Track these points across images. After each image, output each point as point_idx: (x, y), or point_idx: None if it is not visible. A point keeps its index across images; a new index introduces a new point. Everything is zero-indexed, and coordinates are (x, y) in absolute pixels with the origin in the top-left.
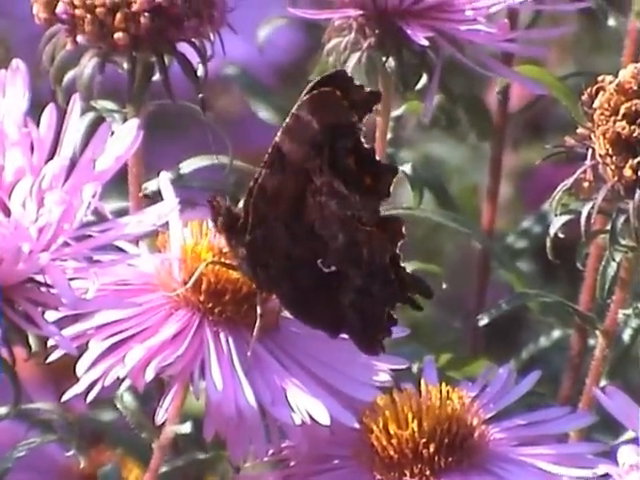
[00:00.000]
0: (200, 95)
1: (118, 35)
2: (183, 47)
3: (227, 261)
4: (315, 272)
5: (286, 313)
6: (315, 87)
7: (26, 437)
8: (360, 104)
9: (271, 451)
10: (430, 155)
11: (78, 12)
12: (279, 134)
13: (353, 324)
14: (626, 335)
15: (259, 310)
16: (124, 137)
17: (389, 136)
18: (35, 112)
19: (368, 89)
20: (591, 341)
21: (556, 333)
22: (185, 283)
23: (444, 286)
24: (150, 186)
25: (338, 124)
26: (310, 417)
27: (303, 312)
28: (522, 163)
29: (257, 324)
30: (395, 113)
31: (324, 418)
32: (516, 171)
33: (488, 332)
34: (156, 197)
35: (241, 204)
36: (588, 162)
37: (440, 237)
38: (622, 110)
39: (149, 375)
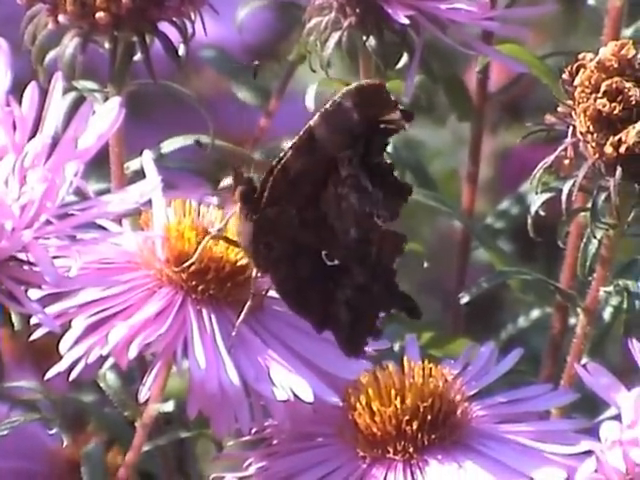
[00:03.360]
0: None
1: (99, 15)
2: (164, 26)
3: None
4: (317, 263)
5: (270, 293)
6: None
7: (8, 417)
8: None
9: (254, 429)
10: (410, 138)
11: None
12: (316, 118)
13: (342, 322)
14: (607, 313)
15: (252, 289)
16: (106, 115)
17: None
18: (15, 92)
19: (402, 107)
20: (571, 320)
21: (534, 314)
22: (168, 261)
23: (425, 265)
24: (132, 165)
25: (380, 119)
26: (294, 394)
27: (295, 300)
28: (501, 146)
29: (248, 303)
30: None
31: (307, 395)
32: (496, 154)
33: (468, 314)
34: (138, 176)
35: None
36: (569, 139)
37: (418, 220)
38: (603, 87)
39: (132, 353)
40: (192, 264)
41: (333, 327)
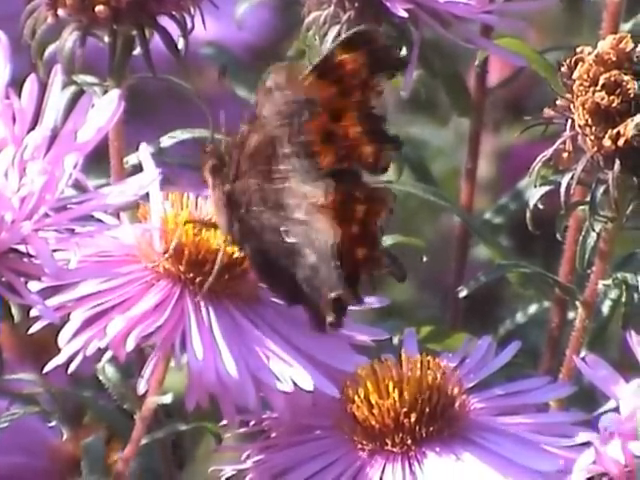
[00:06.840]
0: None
1: (99, 8)
2: (164, 20)
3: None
4: (278, 240)
5: None
6: (343, 44)
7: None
8: (385, 66)
9: (253, 422)
10: (412, 137)
11: None
12: (258, 96)
13: (306, 298)
14: (605, 306)
15: (218, 262)
16: (105, 108)
17: None
18: (15, 86)
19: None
20: (570, 314)
21: (532, 308)
22: (165, 253)
23: (425, 259)
24: (131, 159)
25: (302, 98)
26: (293, 384)
27: (264, 274)
28: (503, 145)
29: (214, 270)
30: None
31: (307, 384)
32: (497, 153)
33: (466, 309)
34: (138, 171)
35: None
36: (567, 133)
37: (419, 219)
38: (601, 80)
39: (130, 345)
40: (168, 249)
41: (300, 302)
